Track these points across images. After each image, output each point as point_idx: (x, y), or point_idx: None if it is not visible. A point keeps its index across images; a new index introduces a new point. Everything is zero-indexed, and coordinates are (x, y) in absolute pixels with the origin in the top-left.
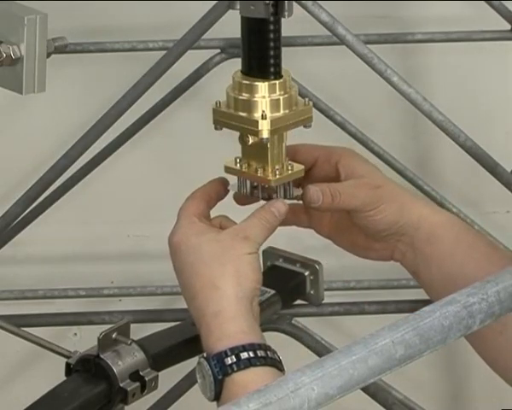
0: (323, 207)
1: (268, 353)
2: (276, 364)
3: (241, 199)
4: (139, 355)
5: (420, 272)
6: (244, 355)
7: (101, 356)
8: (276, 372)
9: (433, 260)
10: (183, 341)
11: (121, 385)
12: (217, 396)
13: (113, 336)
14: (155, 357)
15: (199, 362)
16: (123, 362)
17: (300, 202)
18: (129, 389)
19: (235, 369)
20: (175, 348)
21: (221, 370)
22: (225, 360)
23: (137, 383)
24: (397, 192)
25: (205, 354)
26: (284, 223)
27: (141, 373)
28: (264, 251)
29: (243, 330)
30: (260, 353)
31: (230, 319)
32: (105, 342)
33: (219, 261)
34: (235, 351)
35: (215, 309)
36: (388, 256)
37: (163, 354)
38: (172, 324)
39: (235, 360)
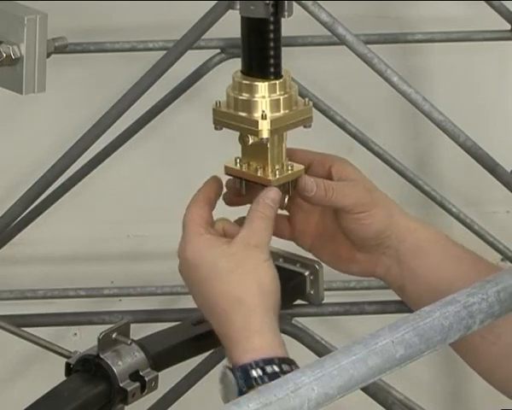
0: (315, 199)
1: (292, 367)
2: None
3: (231, 200)
4: (139, 355)
5: (406, 288)
6: (269, 369)
7: (101, 356)
8: None
9: (420, 274)
10: (183, 341)
11: (121, 385)
12: None
13: (113, 336)
14: (155, 357)
15: (223, 372)
16: (123, 362)
17: (285, 211)
18: (129, 389)
19: (260, 382)
20: (175, 348)
21: (246, 382)
22: (250, 372)
23: (137, 384)
24: (387, 201)
25: (229, 365)
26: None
27: (141, 373)
28: None
29: (269, 344)
30: (285, 367)
31: (256, 332)
32: (105, 342)
33: (239, 276)
34: (261, 364)
35: (240, 323)
36: (371, 270)
37: (163, 354)
38: (172, 324)
39: (260, 373)
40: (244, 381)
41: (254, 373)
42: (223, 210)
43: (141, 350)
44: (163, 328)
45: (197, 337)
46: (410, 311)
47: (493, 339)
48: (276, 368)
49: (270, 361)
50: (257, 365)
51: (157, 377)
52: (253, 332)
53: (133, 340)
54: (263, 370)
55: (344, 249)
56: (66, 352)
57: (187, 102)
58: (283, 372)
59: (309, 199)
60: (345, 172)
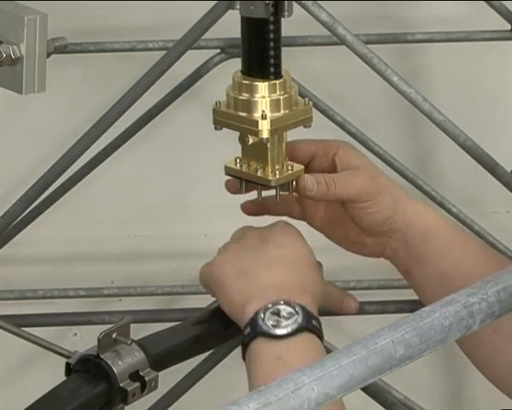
0: (318, 196)
1: None
2: None
3: (233, 187)
4: (139, 355)
5: (412, 271)
6: (322, 332)
7: (101, 356)
8: None
9: (428, 258)
10: (183, 341)
11: (121, 385)
12: (284, 337)
13: (113, 336)
14: (155, 357)
15: (289, 302)
16: (123, 362)
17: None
18: (129, 389)
19: (317, 333)
20: (175, 349)
21: (308, 323)
22: (312, 321)
23: (137, 383)
24: (392, 186)
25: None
26: (276, 213)
27: (141, 373)
28: None
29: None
30: None
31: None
32: (105, 342)
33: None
34: (319, 323)
35: (315, 289)
36: (379, 253)
37: (163, 354)
38: (172, 324)
39: (318, 326)
40: (307, 321)
41: (315, 323)
42: (224, 206)
43: (141, 350)
44: (163, 328)
45: (197, 338)
46: (410, 311)
47: (495, 326)
48: (318, 326)
49: (320, 324)
50: (317, 320)
51: (157, 377)
52: (316, 306)
53: (133, 340)
54: (319, 326)
55: (352, 233)
56: (66, 352)
57: (187, 102)
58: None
59: (312, 197)
60: (348, 160)
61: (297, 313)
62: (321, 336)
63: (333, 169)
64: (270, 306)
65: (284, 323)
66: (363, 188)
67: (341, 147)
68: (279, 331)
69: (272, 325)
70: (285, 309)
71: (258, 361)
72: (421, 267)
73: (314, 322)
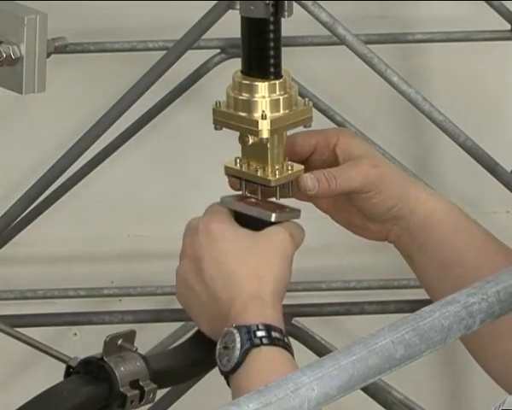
0: (320, 194)
1: (290, 344)
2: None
3: (235, 184)
4: (141, 365)
5: (414, 257)
6: (274, 334)
7: (105, 359)
8: (294, 361)
9: (429, 245)
10: (185, 363)
11: (121, 390)
12: (236, 367)
13: (119, 342)
14: (156, 373)
15: (228, 331)
16: (125, 368)
17: None
18: (129, 394)
19: (265, 342)
20: (175, 370)
21: (250, 340)
22: (257, 332)
23: (137, 391)
24: (395, 174)
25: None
26: (283, 195)
27: (141, 383)
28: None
29: (279, 319)
30: (286, 340)
31: (270, 305)
32: (110, 346)
33: (262, 248)
34: (267, 328)
35: (255, 292)
36: (383, 237)
37: (163, 371)
38: (172, 324)
39: (265, 334)
40: (249, 339)
41: (259, 333)
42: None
43: (143, 361)
44: (163, 328)
45: (200, 360)
46: (411, 311)
47: None
48: (279, 335)
49: (275, 329)
50: (264, 327)
51: (156, 389)
52: (267, 305)
53: (137, 350)
54: (268, 333)
55: (357, 219)
56: (65, 357)
57: (187, 102)
58: (285, 343)
59: (314, 196)
60: (349, 151)
61: (236, 338)
62: (275, 344)
63: (335, 160)
64: (219, 343)
65: (231, 353)
66: (365, 179)
67: (341, 137)
68: (230, 365)
69: (227, 361)
70: (229, 338)
71: (232, 398)
72: (423, 254)
73: (259, 333)
